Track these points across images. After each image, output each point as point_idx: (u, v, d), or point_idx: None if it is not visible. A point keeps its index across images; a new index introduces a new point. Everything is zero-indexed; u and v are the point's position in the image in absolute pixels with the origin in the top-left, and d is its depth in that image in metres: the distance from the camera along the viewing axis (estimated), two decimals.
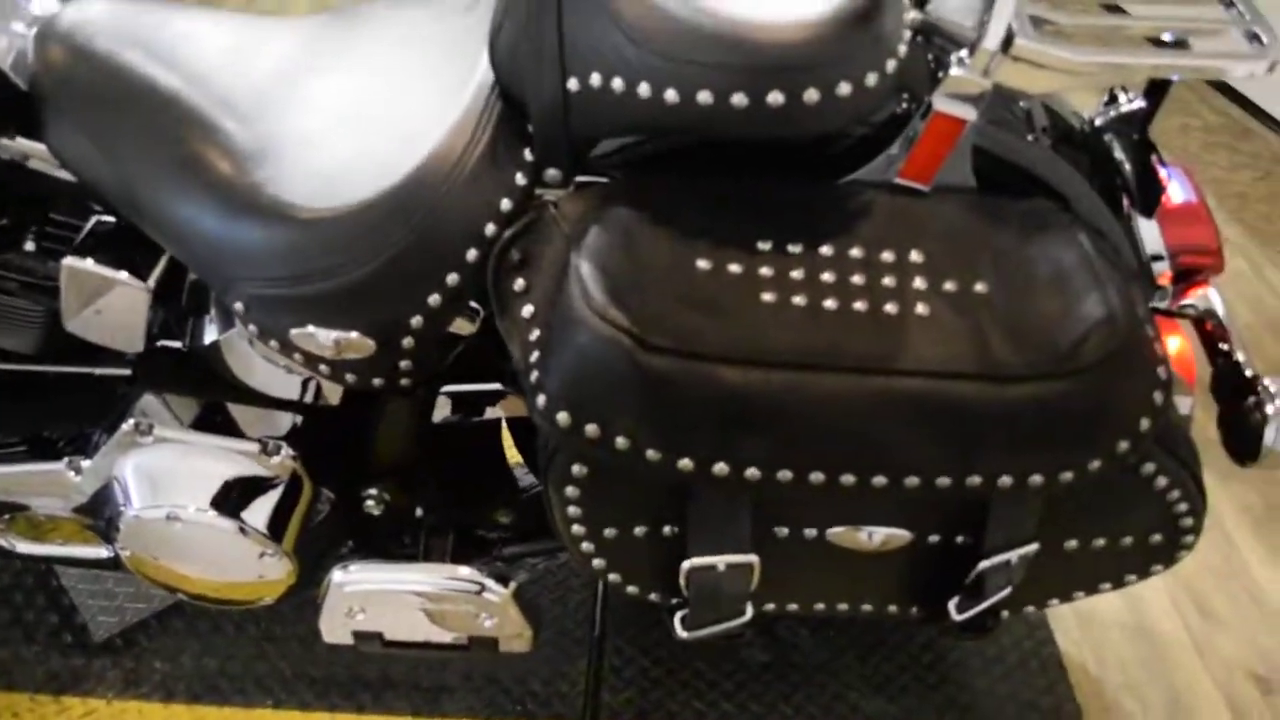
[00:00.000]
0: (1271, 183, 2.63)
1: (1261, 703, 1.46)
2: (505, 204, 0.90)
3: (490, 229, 0.90)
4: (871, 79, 0.80)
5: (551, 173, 0.91)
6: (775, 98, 0.78)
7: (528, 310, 0.87)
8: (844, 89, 0.79)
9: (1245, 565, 1.65)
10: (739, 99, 0.79)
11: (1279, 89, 2.83)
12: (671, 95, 0.80)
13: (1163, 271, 1.05)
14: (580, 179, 0.93)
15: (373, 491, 1.18)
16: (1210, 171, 2.66)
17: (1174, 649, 1.52)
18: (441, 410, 1.17)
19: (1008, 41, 0.82)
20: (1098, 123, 1.04)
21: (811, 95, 0.79)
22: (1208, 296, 1.06)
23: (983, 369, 0.80)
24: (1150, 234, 1.05)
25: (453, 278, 0.90)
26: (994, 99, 0.99)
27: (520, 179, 0.91)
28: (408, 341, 0.93)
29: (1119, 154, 1.02)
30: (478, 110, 0.90)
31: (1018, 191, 0.95)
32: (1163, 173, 1.04)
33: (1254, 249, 2.40)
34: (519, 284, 0.88)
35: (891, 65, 0.82)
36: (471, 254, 0.90)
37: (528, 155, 0.91)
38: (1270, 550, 1.68)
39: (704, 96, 0.80)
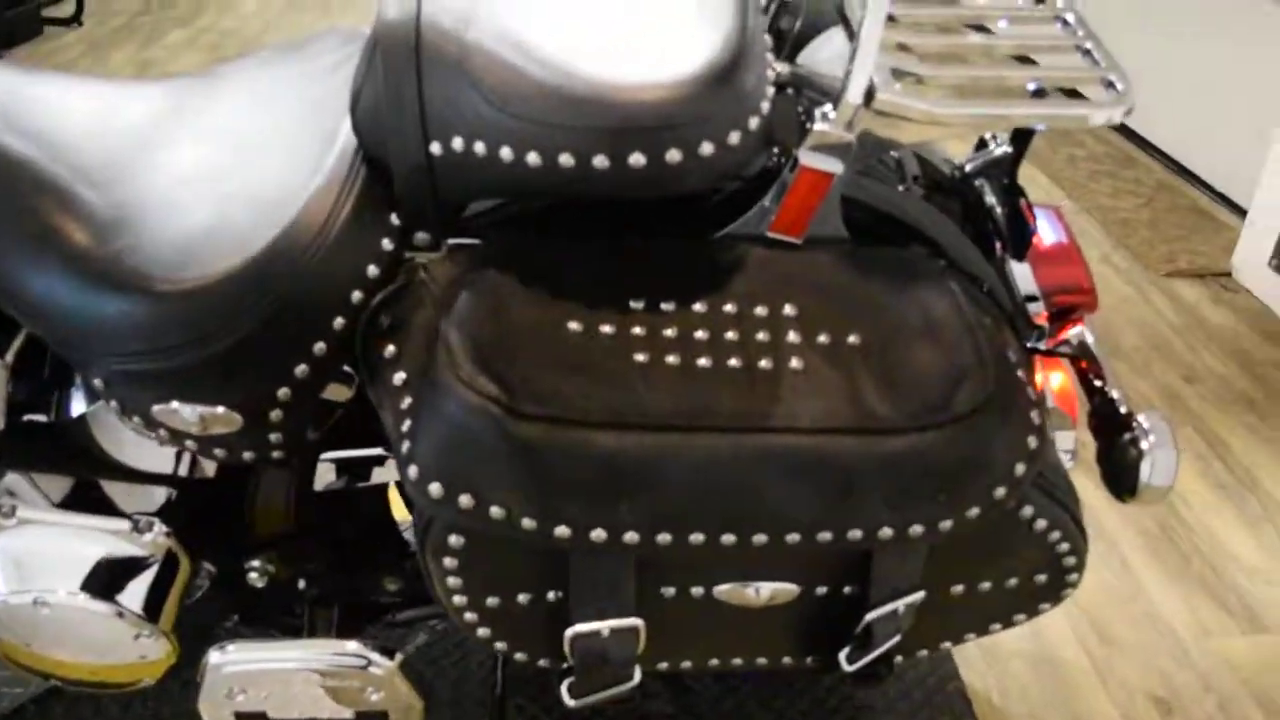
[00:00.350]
0: (1154, 208, 2.72)
1: None
2: (372, 270, 0.88)
3: (357, 296, 0.88)
4: (734, 137, 0.80)
5: (421, 236, 0.90)
6: (637, 159, 0.78)
7: (399, 378, 0.84)
8: (707, 148, 0.79)
9: (1142, 587, 1.68)
10: (600, 161, 0.78)
11: (1160, 119, 2.93)
12: (534, 158, 0.79)
13: (1038, 312, 1.07)
14: (452, 241, 0.91)
15: (255, 564, 1.14)
16: (1096, 199, 2.75)
17: (1076, 675, 1.54)
18: (326, 476, 1.14)
19: (869, 95, 0.83)
20: (968, 169, 1.06)
21: (674, 155, 0.78)
22: (1082, 334, 1.08)
23: (858, 423, 0.80)
24: (1024, 276, 1.07)
25: (320, 347, 0.88)
26: (865, 149, 1.00)
27: (388, 244, 0.89)
28: (276, 414, 0.90)
29: (990, 199, 1.04)
30: (341, 175, 0.88)
31: (891, 241, 0.96)
32: (1035, 214, 1.06)
33: (1138, 273, 2.47)
34: (390, 351, 0.86)
35: (755, 122, 0.82)
36: (339, 322, 0.88)
37: (395, 220, 0.89)
38: (1165, 571, 1.71)
39: (566, 159, 0.79)
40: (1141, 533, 1.78)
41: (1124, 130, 3.07)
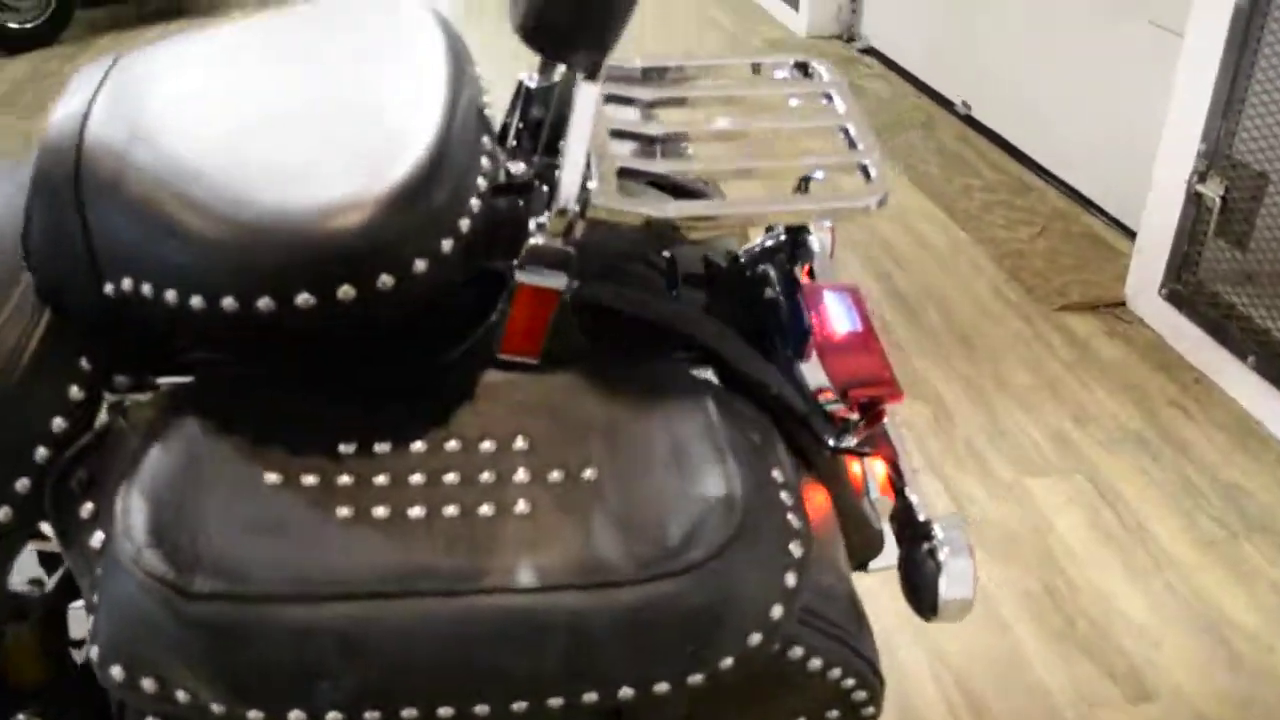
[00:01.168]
0: (1049, 238, 2.66)
1: None
2: (59, 423, 0.79)
3: (42, 454, 0.79)
4: (420, 265, 0.71)
5: (120, 379, 0.81)
6: (305, 299, 0.70)
7: (98, 539, 0.75)
8: (386, 280, 0.70)
9: (1021, 653, 1.61)
10: (266, 303, 0.70)
11: (1054, 144, 2.89)
12: (197, 302, 0.71)
13: (837, 407, 0.99)
14: (164, 380, 0.83)
15: (20, 716, 1.04)
16: (990, 232, 2.69)
17: None
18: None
19: (584, 202, 0.75)
20: (744, 259, 0.99)
21: (347, 291, 0.70)
22: (883, 431, 1.00)
23: (585, 577, 0.72)
24: (818, 370, 0.99)
25: (5, 512, 0.79)
26: (631, 249, 0.93)
27: (76, 392, 0.80)
28: None
29: (772, 290, 0.96)
30: (22, 319, 0.79)
31: (658, 352, 0.88)
32: (827, 298, 0.99)
33: (1030, 308, 2.41)
34: (87, 509, 0.77)
35: (449, 245, 0.73)
36: (23, 484, 0.78)
37: (85, 364, 0.80)
38: (1048, 634, 1.64)
39: (229, 302, 0.70)
40: (1024, 593, 1.71)
41: (1020, 157, 3.02)
